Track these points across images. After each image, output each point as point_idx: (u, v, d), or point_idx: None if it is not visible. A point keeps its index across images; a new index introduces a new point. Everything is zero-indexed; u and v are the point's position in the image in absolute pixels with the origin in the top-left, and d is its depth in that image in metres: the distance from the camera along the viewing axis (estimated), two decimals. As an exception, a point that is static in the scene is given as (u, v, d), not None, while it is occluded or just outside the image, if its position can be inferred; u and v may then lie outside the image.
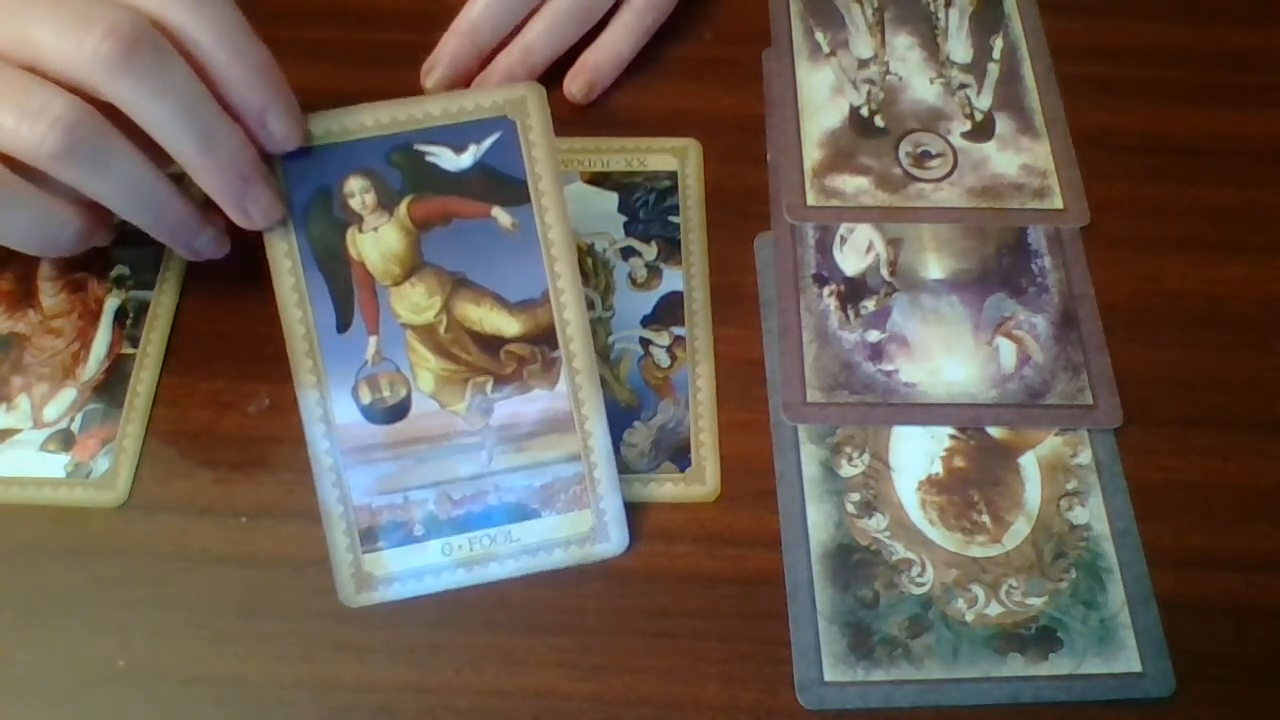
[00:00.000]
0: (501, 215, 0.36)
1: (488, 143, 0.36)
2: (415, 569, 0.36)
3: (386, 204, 0.36)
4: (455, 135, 0.36)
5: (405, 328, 0.37)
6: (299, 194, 0.36)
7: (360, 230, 0.36)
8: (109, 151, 0.32)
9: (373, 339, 0.36)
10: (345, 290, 0.36)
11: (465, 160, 0.36)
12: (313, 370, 0.36)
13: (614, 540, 0.37)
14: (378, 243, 0.36)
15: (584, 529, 0.37)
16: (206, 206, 0.36)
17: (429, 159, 0.36)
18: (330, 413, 0.36)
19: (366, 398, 0.36)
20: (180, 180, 0.35)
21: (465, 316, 0.37)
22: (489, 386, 0.37)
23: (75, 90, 0.31)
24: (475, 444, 0.37)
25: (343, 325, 0.36)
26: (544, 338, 0.37)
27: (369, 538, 0.36)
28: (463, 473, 0.37)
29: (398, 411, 0.37)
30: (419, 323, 0.37)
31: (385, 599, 0.36)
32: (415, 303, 0.36)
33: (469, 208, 0.36)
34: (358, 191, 0.36)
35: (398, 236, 0.36)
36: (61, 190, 0.34)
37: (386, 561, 0.36)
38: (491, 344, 0.37)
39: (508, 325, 0.37)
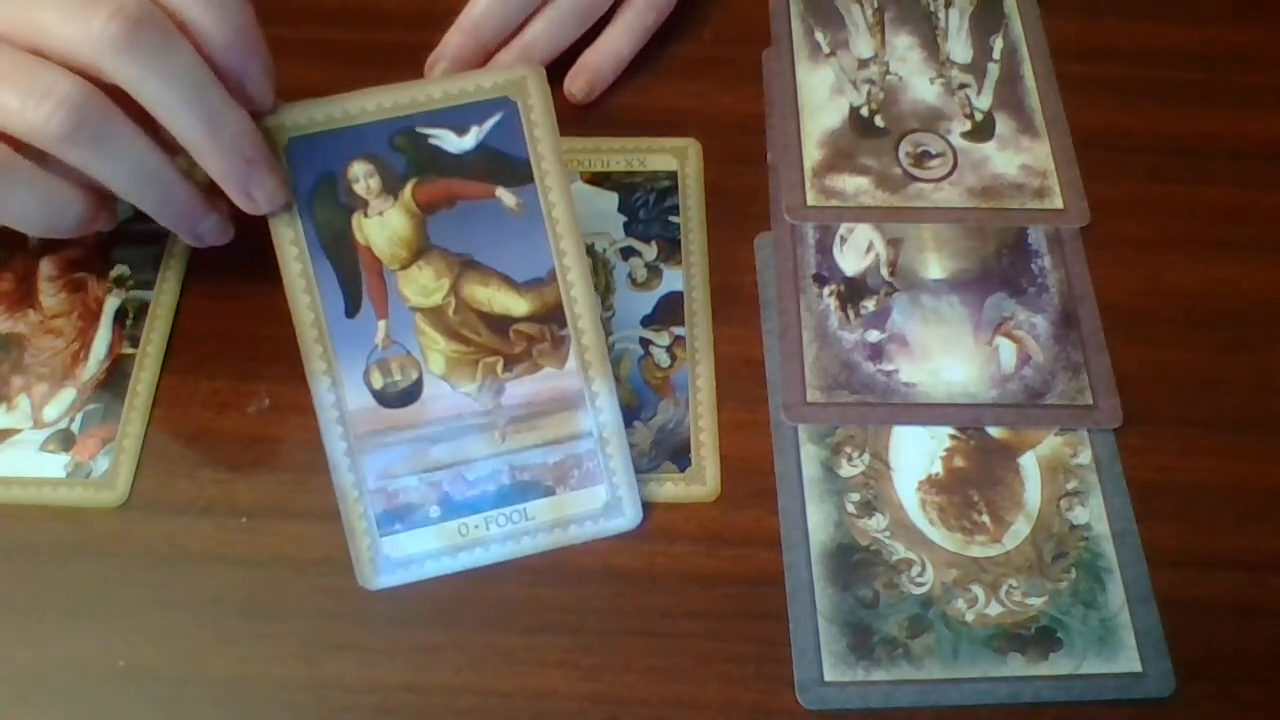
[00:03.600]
0: (505, 196, 0.36)
1: (489, 124, 0.36)
2: (432, 550, 0.36)
3: (391, 188, 0.36)
4: (457, 117, 0.36)
5: (414, 311, 0.37)
6: (303, 180, 0.36)
7: (365, 215, 0.36)
8: (114, 133, 0.32)
9: (382, 323, 0.36)
10: (353, 275, 0.36)
11: (467, 142, 0.36)
12: (323, 357, 0.36)
13: (628, 515, 0.37)
14: (383, 227, 0.36)
15: (598, 505, 0.37)
16: (211, 192, 0.36)
17: (431, 141, 0.36)
18: (342, 399, 0.36)
19: (378, 382, 0.36)
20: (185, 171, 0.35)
21: (473, 298, 0.37)
22: (499, 367, 0.37)
23: (80, 72, 0.31)
24: (487, 424, 0.37)
25: (351, 310, 0.36)
26: (552, 316, 0.37)
27: (385, 521, 0.36)
28: (476, 453, 0.37)
29: (409, 395, 0.37)
30: (427, 305, 0.37)
31: (404, 581, 0.36)
32: (423, 285, 0.37)
33: (473, 189, 0.36)
34: (362, 176, 0.36)
35: (403, 220, 0.36)
36: (66, 172, 0.33)
37: (404, 544, 0.36)
38: (500, 324, 0.37)
39: (516, 305, 0.37)
